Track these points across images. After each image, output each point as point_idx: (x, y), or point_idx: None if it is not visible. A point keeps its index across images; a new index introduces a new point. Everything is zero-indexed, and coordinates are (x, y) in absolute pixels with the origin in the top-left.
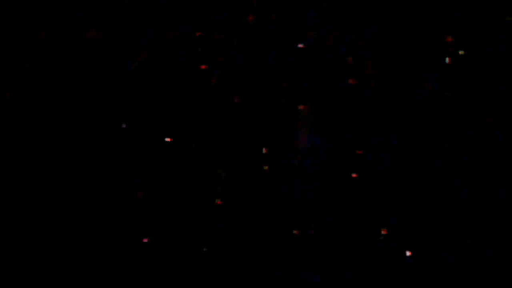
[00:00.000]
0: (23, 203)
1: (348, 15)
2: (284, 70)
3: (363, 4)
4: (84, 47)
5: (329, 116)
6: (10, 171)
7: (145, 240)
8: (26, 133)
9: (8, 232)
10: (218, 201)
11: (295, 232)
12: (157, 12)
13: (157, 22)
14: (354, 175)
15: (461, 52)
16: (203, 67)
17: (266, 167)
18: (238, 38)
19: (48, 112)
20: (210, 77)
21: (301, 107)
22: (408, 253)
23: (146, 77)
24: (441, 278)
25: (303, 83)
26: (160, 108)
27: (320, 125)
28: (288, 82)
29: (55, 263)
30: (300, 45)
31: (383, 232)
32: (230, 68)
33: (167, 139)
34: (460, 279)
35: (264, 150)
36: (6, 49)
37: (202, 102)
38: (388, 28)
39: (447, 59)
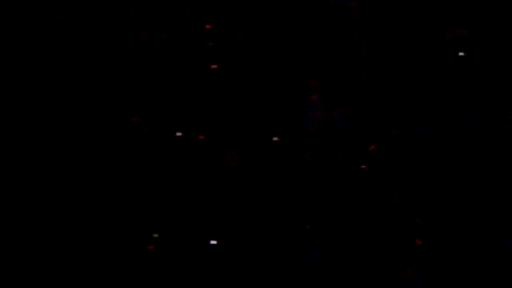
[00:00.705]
0: (29, 202)
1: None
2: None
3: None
4: (98, 40)
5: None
6: (14, 171)
7: (155, 235)
8: (33, 131)
9: (8, 232)
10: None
11: (307, 226)
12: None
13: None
14: (364, 167)
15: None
16: (212, 67)
17: (276, 160)
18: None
19: (58, 107)
20: (220, 70)
21: (314, 97)
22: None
23: (155, 70)
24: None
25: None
26: (171, 102)
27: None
28: (301, 70)
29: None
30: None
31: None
32: (239, 55)
33: (178, 134)
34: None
35: (275, 139)
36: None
37: (211, 93)
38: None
39: (461, 53)
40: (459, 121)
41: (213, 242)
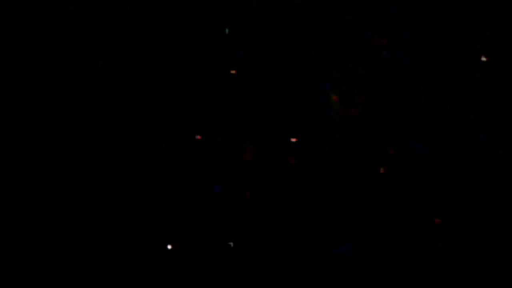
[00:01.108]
0: (34, 200)
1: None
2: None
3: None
4: (106, 38)
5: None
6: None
7: (171, 248)
8: (36, 127)
9: (10, 232)
10: (247, 193)
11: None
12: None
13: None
14: (382, 170)
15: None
16: (233, 71)
17: (293, 160)
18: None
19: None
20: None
21: (333, 97)
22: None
23: (171, 71)
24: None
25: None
26: (187, 103)
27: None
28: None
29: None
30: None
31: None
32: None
33: (197, 136)
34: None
35: (293, 140)
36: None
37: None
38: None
39: (483, 58)
40: (480, 121)
41: (230, 243)
